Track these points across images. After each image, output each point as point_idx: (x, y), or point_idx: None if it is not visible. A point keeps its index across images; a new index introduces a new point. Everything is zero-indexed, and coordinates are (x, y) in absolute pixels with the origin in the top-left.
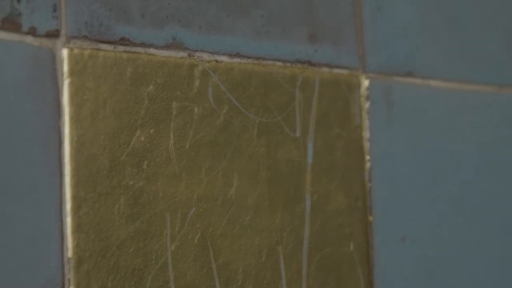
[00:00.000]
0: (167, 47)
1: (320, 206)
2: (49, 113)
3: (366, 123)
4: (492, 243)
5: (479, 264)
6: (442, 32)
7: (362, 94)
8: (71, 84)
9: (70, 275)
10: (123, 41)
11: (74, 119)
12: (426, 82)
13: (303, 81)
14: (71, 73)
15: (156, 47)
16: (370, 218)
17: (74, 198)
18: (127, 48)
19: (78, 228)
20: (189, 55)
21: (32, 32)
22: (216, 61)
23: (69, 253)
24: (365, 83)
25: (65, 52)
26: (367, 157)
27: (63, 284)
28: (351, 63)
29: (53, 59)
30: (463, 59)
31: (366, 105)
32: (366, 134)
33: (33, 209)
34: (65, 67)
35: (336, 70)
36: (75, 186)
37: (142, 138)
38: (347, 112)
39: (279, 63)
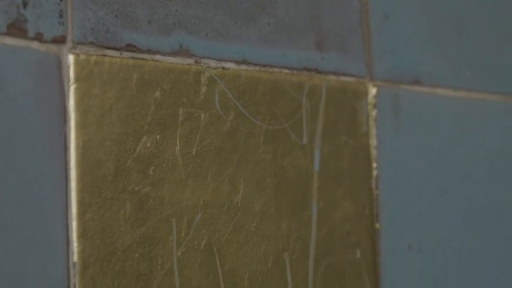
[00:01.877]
0: (174, 53)
1: (327, 214)
2: (55, 119)
3: (373, 131)
4: (500, 252)
5: (486, 273)
6: (450, 40)
7: (369, 102)
8: (77, 89)
9: (75, 279)
10: (130, 47)
11: (80, 125)
12: (433, 91)
13: (310, 88)
14: (77, 79)
15: (163, 54)
16: (377, 225)
17: (80, 203)
18: (134, 55)
19: (83, 233)
20: (195, 61)
21: (38, 38)
22: (223, 68)
23: (75, 257)
24: (372, 91)
25: (71, 58)
26: (374, 165)
27: None
28: (358, 71)
29: (59, 65)
30: (470, 67)
31: (373, 113)
32: (373, 141)
33: (38, 214)
34: (71, 73)
35: (343, 78)
36: (81, 191)
37: (148, 144)
38: (354, 119)
39: (286, 71)
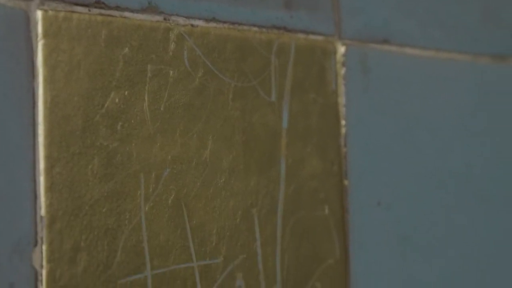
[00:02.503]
0: (143, 10)
1: (295, 170)
2: (23, 74)
3: (341, 89)
4: (468, 208)
5: (455, 229)
6: (419, 0)
7: (338, 60)
8: (45, 45)
9: (43, 233)
10: (98, 4)
11: (48, 80)
12: (402, 50)
13: (279, 46)
14: (45, 34)
15: (131, 11)
16: (346, 182)
17: (48, 157)
18: (102, 11)
19: (51, 187)
20: (164, 19)
21: None
22: (192, 25)
23: (42, 211)
24: (341, 49)
25: (39, 14)
26: (343, 123)
27: (36, 242)
28: (327, 30)
29: (27, 21)
30: (439, 27)
31: (342, 71)
32: (342, 100)
33: (6, 168)
34: (39, 29)
35: (312, 37)
36: (49, 146)
37: (117, 100)
38: (322, 78)
39: (255, 29)
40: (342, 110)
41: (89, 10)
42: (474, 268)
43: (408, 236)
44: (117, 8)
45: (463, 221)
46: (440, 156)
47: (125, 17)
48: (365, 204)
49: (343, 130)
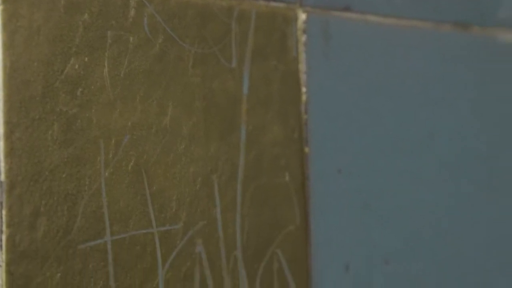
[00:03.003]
0: None
1: (256, 137)
2: None
3: (302, 56)
4: (430, 176)
5: (417, 196)
6: None
7: (299, 27)
8: (4, 11)
9: (2, 198)
10: None
11: (7, 46)
12: (363, 17)
13: (240, 13)
14: (5, 0)
15: None
16: (306, 149)
17: (7, 123)
18: None
19: (10, 152)
20: None
21: None
22: None
23: (2, 176)
24: (302, 16)
25: None
26: (304, 90)
27: None
28: None
29: None
30: None
31: (303, 38)
32: (303, 67)
33: None
34: None
35: (273, 3)
36: (8, 111)
37: (76, 66)
38: (283, 45)
39: None
40: (303, 77)
41: None
42: (435, 236)
43: (369, 204)
44: None
45: (425, 189)
46: (402, 124)
47: None
48: (326, 171)
49: (304, 97)
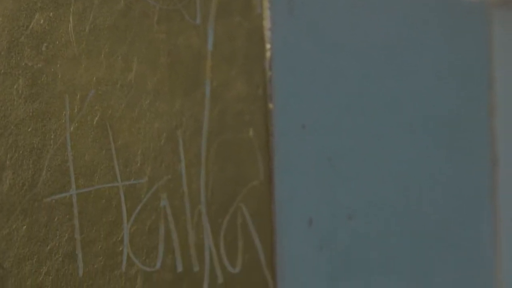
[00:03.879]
0: None
1: (220, 93)
2: None
3: (267, 13)
4: (393, 132)
5: (380, 152)
6: None
7: None
8: None
9: None
10: None
11: None
12: None
13: None
14: None
15: None
16: (270, 105)
17: None
18: None
19: None
20: None
21: None
22: None
23: None
24: None
25: None
26: (268, 46)
27: None
28: None
29: None
30: None
31: None
32: (267, 23)
33: None
34: None
35: None
36: None
37: (41, 21)
38: (248, 1)
39: None
40: (268, 33)
41: None
42: (396, 193)
43: (333, 160)
44: None
45: (388, 147)
46: (367, 83)
47: None
48: (290, 127)
49: (268, 54)
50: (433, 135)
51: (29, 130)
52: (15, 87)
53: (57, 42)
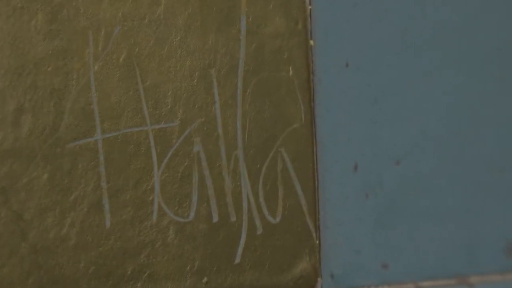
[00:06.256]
0: None
1: (256, 28)
2: None
3: None
4: (438, 68)
5: (426, 93)
6: None
7: None
8: None
9: None
10: None
11: None
12: None
13: None
14: None
15: None
16: (311, 42)
17: None
18: None
19: None
20: None
21: None
22: None
23: None
24: None
25: None
26: None
27: None
28: None
29: None
30: None
31: None
32: None
33: None
34: None
35: None
36: None
37: None
38: None
39: None
40: None
41: None
42: (445, 133)
43: (378, 99)
44: None
45: (435, 84)
46: (411, 17)
47: None
48: (332, 65)
49: None
50: (482, 68)
51: (49, 69)
52: (33, 23)
53: None
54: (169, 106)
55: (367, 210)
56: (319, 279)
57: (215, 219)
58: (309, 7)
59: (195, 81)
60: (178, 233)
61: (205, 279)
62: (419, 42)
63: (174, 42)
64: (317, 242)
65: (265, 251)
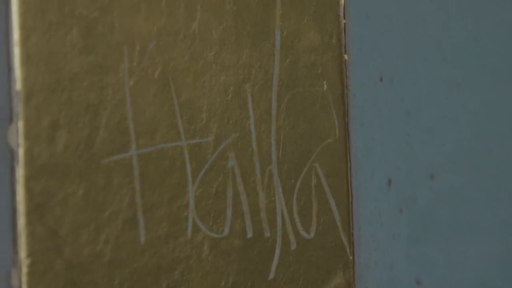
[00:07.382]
0: None
1: (291, 43)
2: None
3: None
4: (475, 82)
5: (462, 104)
6: None
7: None
8: None
9: (18, 109)
10: None
11: None
12: None
13: None
14: None
15: None
16: (345, 56)
17: (22, 27)
18: None
19: (27, 59)
20: None
21: None
22: None
23: (18, 86)
24: None
25: None
26: None
27: (11, 118)
28: None
29: None
30: None
31: None
32: None
33: None
34: None
35: None
36: (23, 14)
37: None
38: None
39: None
40: None
41: None
42: (480, 147)
43: (412, 113)
44: None
45: (470, 97)
46: (446, 28)
47: None
48: (366, 79)
49: (342, 0)
50: None
51: (84, 85)
52: (68, 38)
53: None
54: (203, 121)
55: (401, 225)
56: None
57: (249, 234)
58: (343, 21)
59: (229, 96)
60: (212, 249)
61: None
62: (454, 55)
63: (209, 57)
64: (351, 257)
65: (299, 267)
